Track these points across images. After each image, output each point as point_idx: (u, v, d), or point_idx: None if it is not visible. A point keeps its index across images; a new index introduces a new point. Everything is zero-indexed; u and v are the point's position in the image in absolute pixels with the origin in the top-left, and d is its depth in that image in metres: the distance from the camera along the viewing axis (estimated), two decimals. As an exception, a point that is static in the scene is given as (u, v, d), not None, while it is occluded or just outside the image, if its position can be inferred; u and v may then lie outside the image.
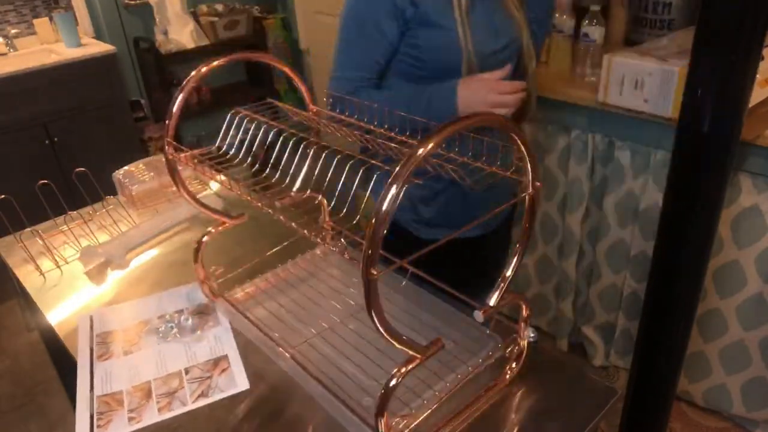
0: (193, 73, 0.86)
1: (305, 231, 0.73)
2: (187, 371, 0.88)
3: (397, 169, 0.53)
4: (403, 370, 0.66)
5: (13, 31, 2.86)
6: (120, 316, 1.03)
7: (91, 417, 0.82)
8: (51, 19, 2.92)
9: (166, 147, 0.87)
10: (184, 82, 0.85)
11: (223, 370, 0.87)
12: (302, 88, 1.02)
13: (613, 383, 0.90)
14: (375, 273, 0.54)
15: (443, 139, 0.56)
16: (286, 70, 1.00)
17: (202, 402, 0.83)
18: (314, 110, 1.02)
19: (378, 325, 0.59)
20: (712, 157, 1.09)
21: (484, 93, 1.05)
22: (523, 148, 0.67)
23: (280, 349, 0.86)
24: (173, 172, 0.90)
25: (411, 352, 0.65)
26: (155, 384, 0.87)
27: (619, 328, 1.89)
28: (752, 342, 1.61)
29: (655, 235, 1.24)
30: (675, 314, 1.27)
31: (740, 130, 1.08)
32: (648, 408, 1.41)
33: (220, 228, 0.98)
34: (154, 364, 0.91)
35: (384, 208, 0.53)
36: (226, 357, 0.90)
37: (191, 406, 0.82)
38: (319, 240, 0.73)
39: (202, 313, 1.00)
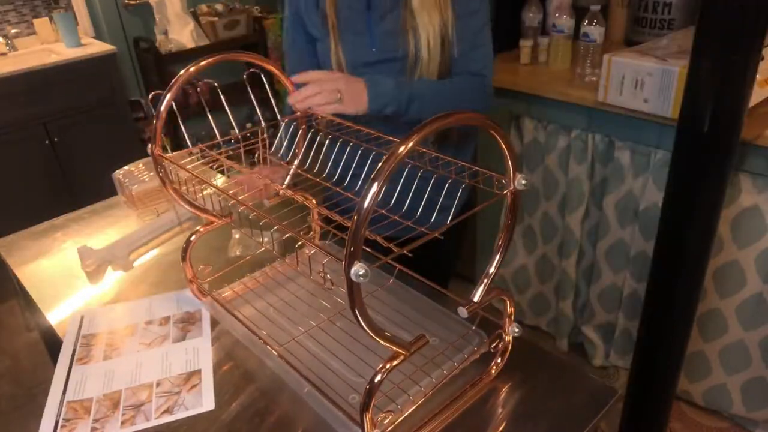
0: (181, 72, 0.85)
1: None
2: (158, 384, 0.87)
3: (380, 165, 0.53)
4: (388, 366, 0.66)
5: (13, 31, 2.86)
6: (110, 318, 1.03)
7: (56, 423, 0.81)
8: (51, 19, 2.91)
9: (153, 147, 0.87)
10: (171, 82, 0.84)
11: (193, 386, 0.86)
12: (290, 89, 1.02)
13: (613, 383, 0.90)
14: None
15: (423, 136, 0.56)
16: (274, 70, 1.01)
17: (165, 419, 0.81)
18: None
19: (361, 323, 0.59)
20: (712, 157, 1.09)
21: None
22: (503, 145, 0.67)
23: (268, 347, 0.86)
24: (160, 172, 0.89)
25: (395, 349, 0.65)
26: (125, 394, 0.86)
27: (619, 328, 1.89)
28: (752, 342, 1.61)
29: (655, 235, 1.24)
30: (675, 314, 1.27)
31: (740, 130, 1.08)
32: (648, 408, 1.41)
33: (208, 227, 0.98)
34: (130, 372, 0.89)
35: (365, 205, 0.52)
36: (198, 372, 0.89)
37: (153, 423, 0.81)
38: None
39: (187, 321, 1.00)
